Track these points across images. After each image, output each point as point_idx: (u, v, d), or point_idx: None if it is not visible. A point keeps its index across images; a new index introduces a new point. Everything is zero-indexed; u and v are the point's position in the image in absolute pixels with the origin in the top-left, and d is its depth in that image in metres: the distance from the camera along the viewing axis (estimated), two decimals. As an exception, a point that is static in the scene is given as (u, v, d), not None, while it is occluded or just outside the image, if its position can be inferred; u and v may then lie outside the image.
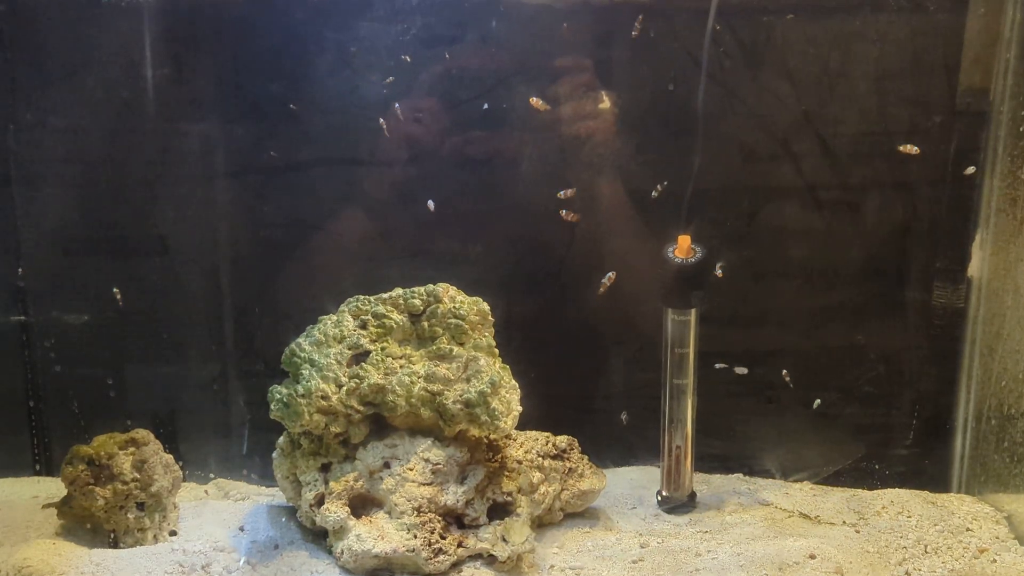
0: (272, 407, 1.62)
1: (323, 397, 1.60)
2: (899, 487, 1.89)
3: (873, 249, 1.89)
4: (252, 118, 1.87)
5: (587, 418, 1.99)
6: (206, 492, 1.88)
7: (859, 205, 1.87)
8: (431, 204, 1.86)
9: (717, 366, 1.91)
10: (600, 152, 1.88)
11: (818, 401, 1.92)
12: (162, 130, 1.86)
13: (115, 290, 1.90)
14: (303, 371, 1.63)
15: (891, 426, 1.95)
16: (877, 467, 1.94)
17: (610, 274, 1.84)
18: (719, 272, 1.83)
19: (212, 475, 1.96)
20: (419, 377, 1.62)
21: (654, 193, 1.83)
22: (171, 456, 1.71)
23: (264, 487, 1.93)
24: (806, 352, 1.92)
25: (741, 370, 1.90)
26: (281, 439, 1.72)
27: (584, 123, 1.87)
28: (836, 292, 1.91)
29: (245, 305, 1.93)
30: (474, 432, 1.63)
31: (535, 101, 1.81)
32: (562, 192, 1.86)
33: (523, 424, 1.67)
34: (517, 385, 1.65)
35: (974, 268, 1.86)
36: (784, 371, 1.90)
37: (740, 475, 1.99)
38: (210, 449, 1.97)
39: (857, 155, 1.86)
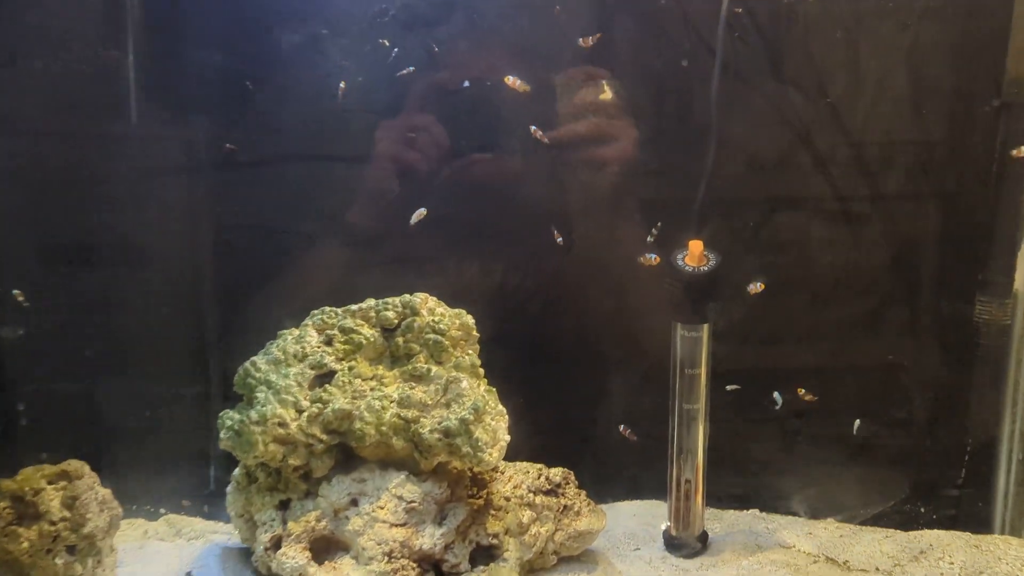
0: (222, 435, 1.42)
1: (280, 424, 1.39)
2: (938, 528, 1.67)
3: (909, 260, 1.69)
4: (211, 108, 1.67)
5: (585, 448, 1.78)
6: (146, 533, 1.66)
7: (892, 211, 1.68)
8: (422, 212, 1.64)
9: (729, 388, 1.69)
10: (600, 152, 1.68)
11: (858, 422, 1.70)
12: (106, 122, 1.66)
13: (15, 292, 1.68)
14: (258, 394, 1.42)
15: (928, 459, 1.74)
16: (923, 510, 1.73)
17: (654, 255, 1.60)
18: (758, 286, 1.61)
19: (163, 510, 1.74)
20: (391, 401, 1.41)
21: (649, 238, 1.62)
22: (109, 491, 1.49)
23: (222, 522, 1.72)
24: (833, 375, 1.71)
25: (777, 399, 1.68)
26: (237, 471, 1.51)
27: (586, 124, 1.67)
28: (867, 308, 1.70)
29: (201, 317, 1.72)
30: (455, 465, 1.42)
31: (512, 81, 1.59)
32: (558, 238, 1.66)
33: (512, 455, 1.47)
34: (504, 411, 1.45)
35: (1021, 281, 1.65)
36: (807, 393, 1.67)
37: (756, 511, 1.77)
38: (160, 480, 1.75)
39: (889, 154, 1.66)
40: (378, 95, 1.68)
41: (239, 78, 1.65)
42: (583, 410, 1.78)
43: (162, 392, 1.74)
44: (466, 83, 1.62)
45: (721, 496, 1.74)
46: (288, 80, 1.67)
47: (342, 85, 1.64)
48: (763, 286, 1.60)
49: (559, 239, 1.64)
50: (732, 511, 1.78)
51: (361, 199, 1.72)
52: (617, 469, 1.78)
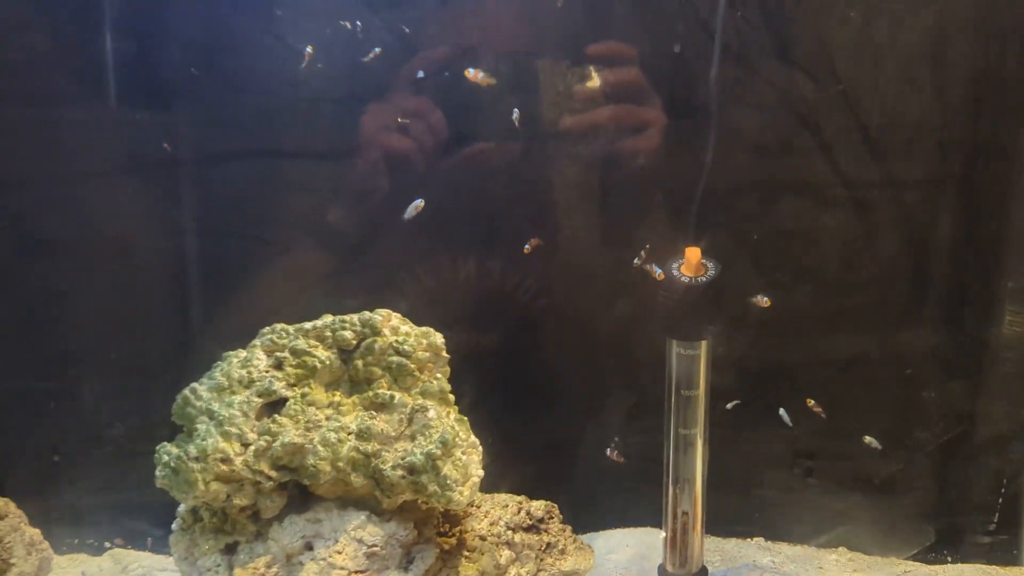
0: (157, 473, 1.26)
1: (223, 460, 1.23)
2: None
3: (927, 266, 1.51)
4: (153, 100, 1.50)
5: (572, 472, 1.62)
6: (83, 574, 1.51)
7: (907, 210, 1.50)
8: (419, 203, 1.43)
9: (729, 406, 1.53)
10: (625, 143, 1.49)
11: (872, 440, 1.52)
12: (39, 114, 1.48)
13: None
14: (199, 425, 1.26)
15: (954, 498, 1.56)
16: (950, 560, 1.56)
17: (660, 269, 1.38)
18: (763, 301, 1.43)
19: (108, 544, 1.59)
20: (349, 433, 1.25)
21: (636, 260, 1.43)
22: (38, 531, 1.34)
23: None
24: (837, 395, 1.53)
25: (784, 417, 1.52)
26: (182, 508, 1.35)
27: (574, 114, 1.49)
28: (882, 320, 1.53)
29: (146, 333, 1.55)
30: (423, 502, 1.26)
31: (474, 74, 1.38)
32: (527, 246, 1.48)
33: (489, 486, 1.32)
34: (478, 442, 1.28)
35: (1054, 288, 1.49)
36: (816, 406, 1.50)
37: (761, 540, 1.62)
38: (106, 511, 1.59)
39: (910, 149, 1.48)
40: (342, 81, 1.51)
41: (184, 64, 1.47)
42: (569, 435, 1.62)
43: (108, 412, 1.57)
44: (421, 73, 1.43)
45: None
46: (240, 66, 1.49)
47: (309, 50, 1.45)
48: (768, 302, 1.42)
49: (530, 248, 1.47)
50: (734, 540, 1.63)
51: (344, 196, 1.54)
52: (608, 494, 1.62)
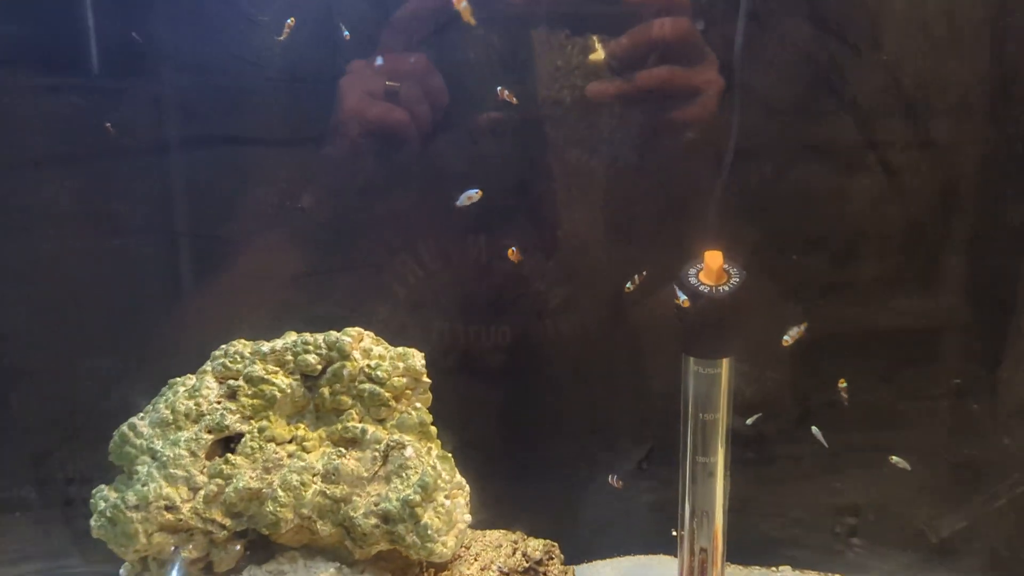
0: (93, 523, 1.09)
1: (168, 507, 1.07)
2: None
3: (971, 265, 1.32)
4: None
5: (580, 493, 1.44)
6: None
7: (968, 200, 1.30)
8: (474, 194, 1.20)
9: (749, 421, 1.36)
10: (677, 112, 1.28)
11: (899, 460, 1.32)
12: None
13: None
14: (139, 467, 1.09)
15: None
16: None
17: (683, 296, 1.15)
18: (793, 335, 1.23)
19: (58, 581, 1.44)
20: (315, 475, 1.08)
21: (629, 285, 1.23)
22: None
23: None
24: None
25: (818, 435, 1.34)
26: (130, 555, 1.18)
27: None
28: (930, 327, 1.35)
29: (88, 351, 1.37)
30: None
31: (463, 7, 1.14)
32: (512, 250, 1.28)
33: (481, 522, 1.18)
34: (464, 482, 1.11)
35: None
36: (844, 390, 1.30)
37: (788, 568, 1.46)
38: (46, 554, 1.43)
39: (964, 133, 1.28)
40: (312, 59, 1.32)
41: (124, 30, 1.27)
42: (572, 458, 1.44)
43: (43, 443, 1.40)
44: (380, 60, 1.22)
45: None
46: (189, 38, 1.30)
47: (290, 21, 1.24)
48: (802, 332, 1.22)
49: (515, 256, 1.27)
50: (758, 568, 1.46)
51: (319, 178, 1.33)
52: (617, 518, 1.45)
